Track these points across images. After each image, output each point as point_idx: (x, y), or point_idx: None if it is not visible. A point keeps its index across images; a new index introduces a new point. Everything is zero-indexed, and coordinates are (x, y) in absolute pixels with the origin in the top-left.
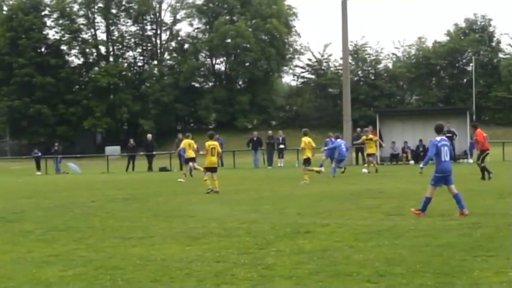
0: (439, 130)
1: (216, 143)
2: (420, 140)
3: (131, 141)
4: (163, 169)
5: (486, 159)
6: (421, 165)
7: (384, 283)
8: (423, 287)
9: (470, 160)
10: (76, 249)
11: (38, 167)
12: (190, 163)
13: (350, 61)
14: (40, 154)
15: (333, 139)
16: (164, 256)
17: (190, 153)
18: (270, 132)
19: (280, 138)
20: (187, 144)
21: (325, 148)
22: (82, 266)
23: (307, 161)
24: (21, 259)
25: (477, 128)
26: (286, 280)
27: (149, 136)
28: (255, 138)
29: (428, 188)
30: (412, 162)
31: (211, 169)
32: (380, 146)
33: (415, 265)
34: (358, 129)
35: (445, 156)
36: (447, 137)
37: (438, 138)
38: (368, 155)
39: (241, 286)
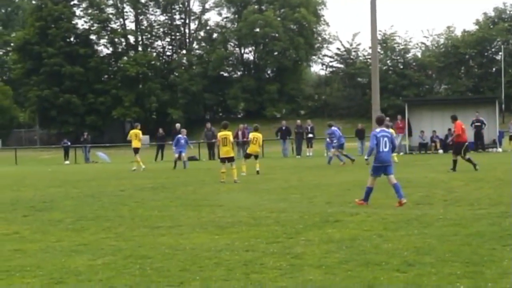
0: (379, 122)
1: (229, 133)
2: (449, 129)
3: (160, 130)
4: (191, 159)
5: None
6: (365, 157)
7: (413, 272)
8: (452, 276)
9: (500, 149)
10: (105, 238)
11: (66, 156)
12: (180, 154)
13: (379, 50)
14: (69, 143)
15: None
16: (193, 245)
17: (136, 143)
18: (298, 121)
19: (309, 128)
20: (134, 135)
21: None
22: (111, 255)
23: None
24: (50, 248)
25: (456, 120)
26: (315, 269)
27: (178, 125)
28: (283, 128)
29: (369, 178)
30: (441, 151)
31: (227, 159)
32: (410, 135)
33: (444, 255)
34: (387, 118)
35: (384, 147)
36: (476, 126)
37: (378, 130)
38: None
39: (270, 275)
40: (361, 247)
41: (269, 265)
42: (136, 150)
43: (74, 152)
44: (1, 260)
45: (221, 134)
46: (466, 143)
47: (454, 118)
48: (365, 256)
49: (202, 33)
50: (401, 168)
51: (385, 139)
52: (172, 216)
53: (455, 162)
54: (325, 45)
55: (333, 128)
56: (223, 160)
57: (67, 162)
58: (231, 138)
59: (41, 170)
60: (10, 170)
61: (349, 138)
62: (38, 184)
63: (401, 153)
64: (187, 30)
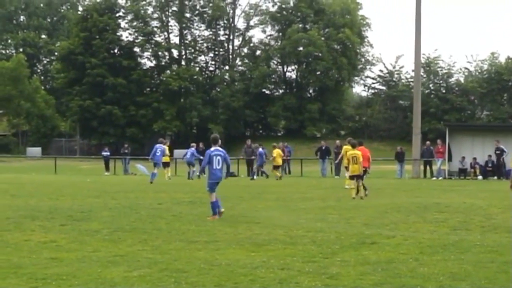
0: (214, 141)
1: (359, 152)
2: (489, 156)
3: (201, 144)
4: (230, 175)
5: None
6: (197, 173)
7: None
8: None
9: None
10: (142, 251)
11: (107, 168)
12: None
13: (422, 73)
14: (109, 153)
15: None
16: (228, 261)
17: (165, 158)
18: (338, 141)
19: None
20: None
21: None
22: (147, 268)
23: None
24: (87, 258)
25: (361, 145)
26: None
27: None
28: (323, 147)
29: (208, 195)
30: (480, 177)
31: (356, 177)
32: (450, 160)
33: (480, 281)
34: (428, 142)
35: (217, 164)
36: (496, 154)
37: (212, 149)
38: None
39: None
40: (397, 270)
41: (304, 284)
42: (166, 165)
43: (114, 163)
44: (38, 268)
45: (350, 153)
46: (364, 169)
47: (359, 144)
48: (401, 279)
49: (245, 50)
50: (440, 193)
51: (218, 157)
52: (209, 231)
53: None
54: (368, 67)
55: (261, 150)
56: (352, 177)
57: (107, 173)
58: (361, 158)
59: (80, 180)
60: (49, 178)
61: (389, 160)
62: (76, 194)
63: (440, 178)
64: (230, 46)
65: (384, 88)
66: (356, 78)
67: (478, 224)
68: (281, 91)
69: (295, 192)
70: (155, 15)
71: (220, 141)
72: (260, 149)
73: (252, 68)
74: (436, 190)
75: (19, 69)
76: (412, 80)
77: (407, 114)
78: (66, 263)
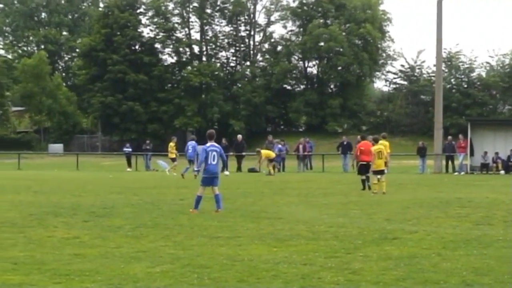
0: (210, 137)
1: (382, 147)
2: (511, 150)
3: (224, 140)
4: (251, 170)
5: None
6: (195, 168)
7: None
8: None
9: None
10: (164, 246)
11: (129, 164)
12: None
13: (444, 68)
14: (131, 149)
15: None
16: (251, 256)
17: (172, 154)
18: (359, 137)
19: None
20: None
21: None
22: (169, 263)
23: None
24: (110, 254)
25: (363, 140)
26: (373, 285)
27: (239, 136)
28: (344, 143)
29: (199, 188)
30: (502, 172)
31: (378, 172)
32: (472, 154)
33: (503, 276)
34: (449, 137)
35: (212, 160)
36: None
37: (208, 144)
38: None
39: None
40: (419, 265)
41: (326, 280)
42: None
43: (136, 159)
44: (61, 264)
45: (375, 148)
46: (362, 163)
47: (362, 138)
48: (423, 275)
49: (266, 45)
50: (462, 188)
51: (214, 153)
52: (231, 226)
53: (363, 181)
54: (389, 62)
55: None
56: (375, 172)
57: (129, 169)
58: (385, 152)
59: (102, 176)
60: (72, 175)
61: (411, 155)
62: (99, 190)
63: (462, 173)
64: (251, 42)
65: (405, 83)
66: (377, 73)
67: (501, 219)
68: (302, 86)
69: (317, 188)
70: (176, 11)
71: (215, 136)
72: (279, 146)
73: (273, 64)
74: (458, 185)
75: (41, 66)
76: (433, 75)
77: (429, 109)
78: (89, 259)
